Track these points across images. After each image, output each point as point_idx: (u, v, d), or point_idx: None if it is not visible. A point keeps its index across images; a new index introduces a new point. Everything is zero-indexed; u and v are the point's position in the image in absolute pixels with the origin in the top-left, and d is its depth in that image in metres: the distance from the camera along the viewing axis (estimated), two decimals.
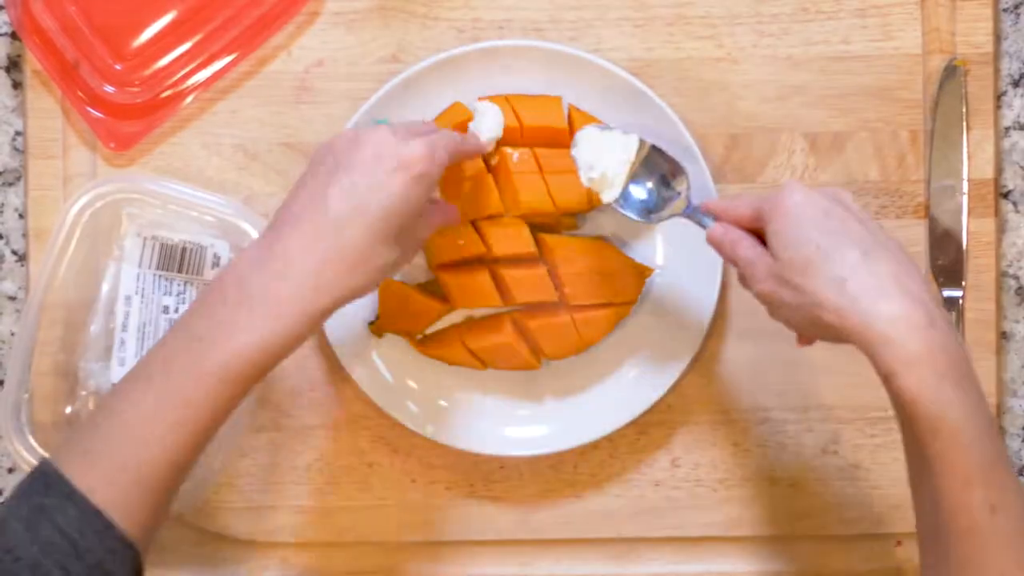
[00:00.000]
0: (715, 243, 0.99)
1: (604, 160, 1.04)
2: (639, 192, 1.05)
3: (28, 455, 1.11)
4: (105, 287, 1.13)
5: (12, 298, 1.16)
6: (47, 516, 0.89)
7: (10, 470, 1.17)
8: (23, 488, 0.92)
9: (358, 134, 0.97)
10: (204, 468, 1.12)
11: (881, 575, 1.15)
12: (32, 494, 0.91)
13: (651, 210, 1.04)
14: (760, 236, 0.97)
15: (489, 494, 1.16)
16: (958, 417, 0.88)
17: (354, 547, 1.16)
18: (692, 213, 1.02)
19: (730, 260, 0.99)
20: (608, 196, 1.04)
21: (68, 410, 1.13)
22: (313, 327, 0.95)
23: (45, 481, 0.91)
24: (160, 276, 1.13)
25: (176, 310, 1.12)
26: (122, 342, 1.12)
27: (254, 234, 1.11)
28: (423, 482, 1.16)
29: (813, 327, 0.94)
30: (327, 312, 0.95)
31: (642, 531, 1.15)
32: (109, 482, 0.91)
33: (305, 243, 0.94)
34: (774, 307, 0.96)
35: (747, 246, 0.97)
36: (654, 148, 1.05)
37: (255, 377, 0.93)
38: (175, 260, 1.12)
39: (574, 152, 1.05)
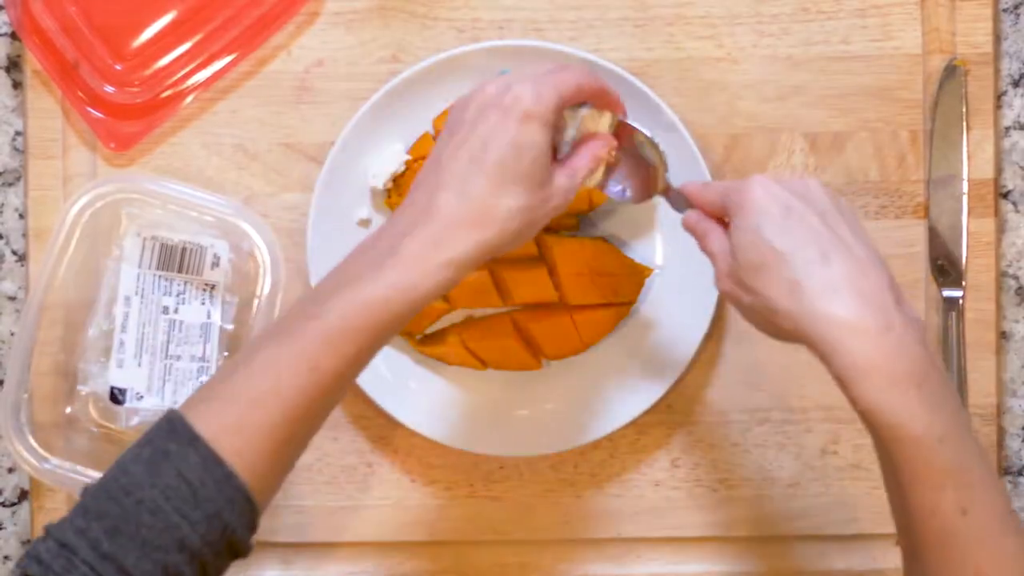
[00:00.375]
0: (689, 231, 0.98)
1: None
2: (616, 175, 1.03)
3: (28, 455, 1.11)
4: (104, 287, 1.13)
5: (12, 298, 1.16)
6: (170, 460, 0.88)
7: (10, 470, 1.17)
8: (148, 433, 0.90)
9: (466, 95, 0.97)
10: None
11: (881, 575, 1.15)
12: (156, 439, 0.89)
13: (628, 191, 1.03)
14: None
15: (489, 494, 1.16)
16: (919, 424, 0.86)
17: (354, 547, 1.16)
18: (670, 195, 1.00)
19: (703, 252, 0.97)
20: (591, 181, 1.03)
21: (68, 410, 1.13)
22: (439, 283, 0.92)
23: (170, 427, 0.90)
24: (160, 276, 1.12)
25: (176, 310, 1.12)
26: (121, 343, 1.12)
27: (254, 234, 1.11)
28: (423, 482, 1.16)
29: (773, 331, 0.92)
30: (453, 265, 0.92)
31: (641, 531, 1.15)
32: (234, 431, 0.89)
33: (424, 205, 0.93)
34: (737, 308, 0.95)
35: (714, 239, 0.95)
36: (625, 124, 1.02)
37: (379, 331, 0.92)
38: (175, 260, 1.12)
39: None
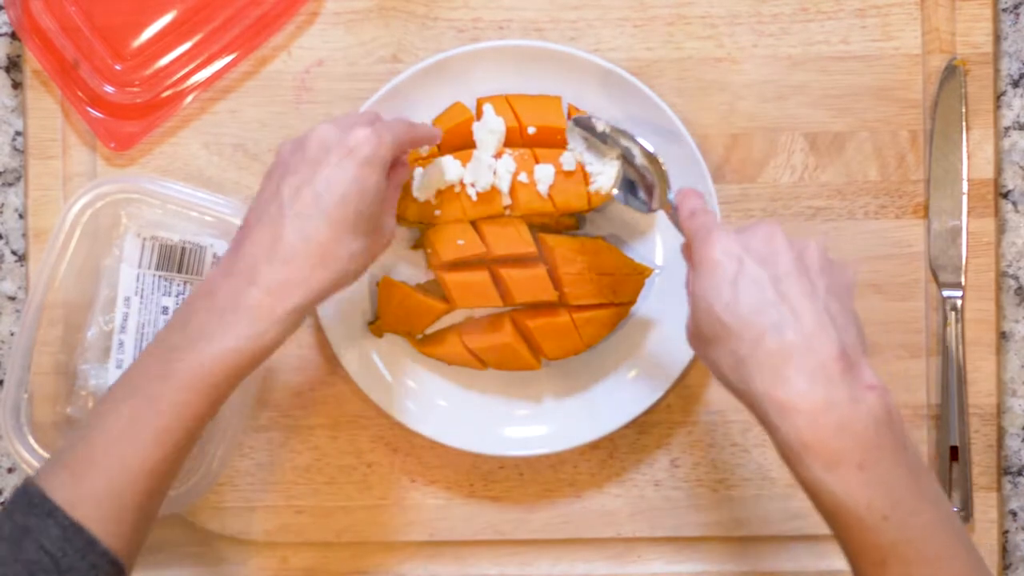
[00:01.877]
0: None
1: (596, 163, 1.07)
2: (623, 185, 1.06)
3: (28, 455, 1.11)
4: (104, 288, 1.13)
5: (12, 298, 1.16)
6: (30, 535, 0.90)
7: (10, 470, 1.17)
8: (7, 507, 0.92)
9: (304, 135, 0.98)
10: (203, 468, 1.12)
11: None
12: (15, 512, 0.91)
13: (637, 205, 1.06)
14: None
15: (489, 494, 1.16)
16: (859, 503, 0.85)
17: (354, 547, 1.16)
18: (670, 214, 1.01)
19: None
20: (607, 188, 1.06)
21: (68, 410, 1.13)
22: (287, 328, 0.95)
23: (28, 500, 0.91)
24: (159, 276, 1.12)
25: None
26: (121, 343, 1.12)
27: None
28: (423, 482, 1.16)
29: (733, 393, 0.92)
30: (300, 311, 0.95)
31: (641, 531, 1.15)
32: (90, 496, 0.91)
33: (267, 246, 0.94)
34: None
35: (690, 282, 0.94)
36: (629, 137, 1.05)
37: (230, 383, 0.94)
38: (175, 260, 1.12)
39: (569, 145, 1.07)
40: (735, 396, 0.91)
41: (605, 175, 1.07)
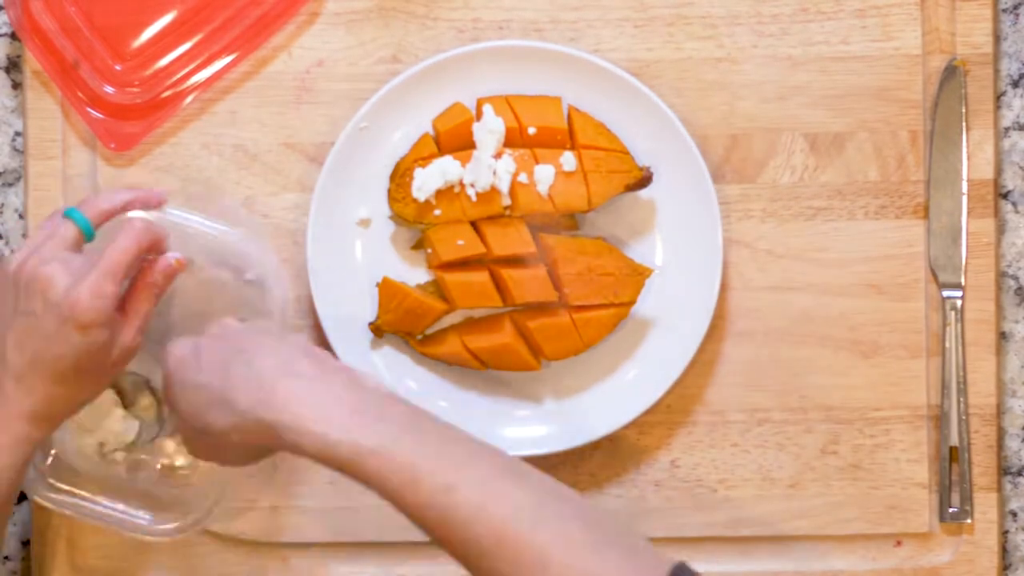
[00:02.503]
0: None
1: None
2: None
3: (47, 492, 1.11)
4: None
5: None
6: None
7: None
8: None
9: (32, 272, 0.98)
10: (199, 514, 1.12)
11: (881, 575, 1.15)
12: None
13: None
14: None
15: None
16: (362, 445, 0.89)
17: (354, 547, 1.16)
18: None
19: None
20: None
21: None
22: (19, 459, 0.99)
23: None
24: None
25: None
26: None
27: (257, 259, 1.10)
28: None
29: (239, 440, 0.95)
30: (22, 448, 0.99)
31: (642, 531, 1.15)
32: None
33: None
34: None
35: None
36: None
37: None
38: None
39: None
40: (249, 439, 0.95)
41: None
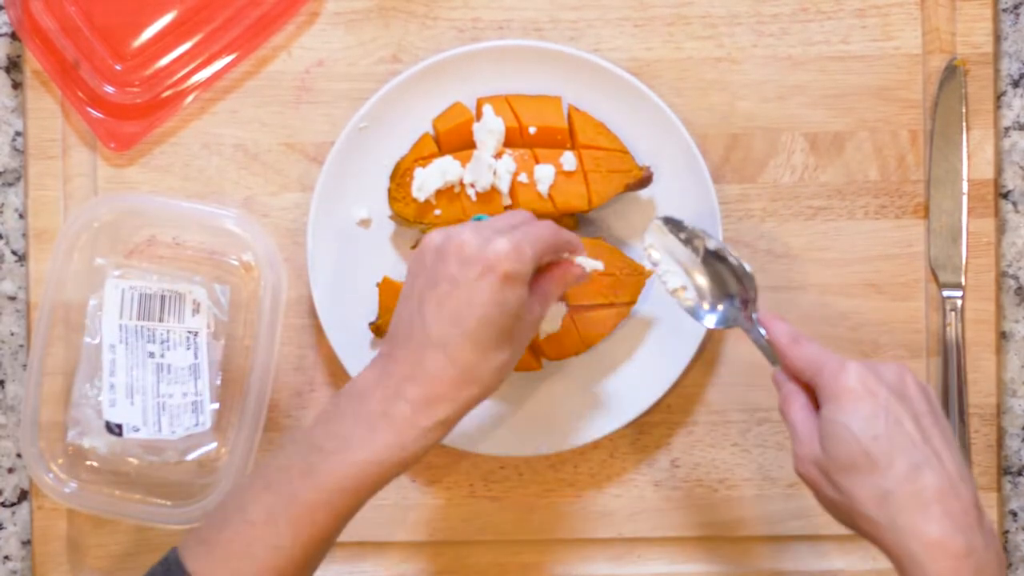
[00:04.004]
0: (775, 385, 0.99)
1: (669, 262, 1.07)
2: (694, 294, 1.06)
3: (53, 483, 1.11)
4: (87, 336, 1.12)
5: (12, 298, 1.16)
6: None
7: (10, 470, 1.17)
8: (151, 572, 0.96)
9: (444, 240, 0.97)
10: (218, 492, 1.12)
11: (881, 575, 1.15)
12: None
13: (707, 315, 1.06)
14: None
15: (489, 494, 1.16)
16: None
17: (354, 547, 1.16)
18: (750, 331, 1.02)
19: (780, 412, 0.98)
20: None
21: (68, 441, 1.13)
22: (430, 441, 0.96)
23: (166, 568, 0.95)
24: (142, 326, 1.11)
25: (162, 355, 1.11)
26: (112, 385, 1.11)
27: (252, 242, 1.11)
28: (423, 482, 1.16)
29: (849, 524, 0.93)
30: (445, 424, 0.96)
31: (642, 531, 1.15)
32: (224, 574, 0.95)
33: (414, 363, 0.95)
34: (814, 493, 0.95)
35: (798, 409, 0.96)
36: (711, 254, 1.05)
37: (371, 490, 0.96)
38: (154, 310, 1.11)
39: (647, 240, 1.07)
40: (857, 525, 0.92)
41: (675, 275, 1.07)
